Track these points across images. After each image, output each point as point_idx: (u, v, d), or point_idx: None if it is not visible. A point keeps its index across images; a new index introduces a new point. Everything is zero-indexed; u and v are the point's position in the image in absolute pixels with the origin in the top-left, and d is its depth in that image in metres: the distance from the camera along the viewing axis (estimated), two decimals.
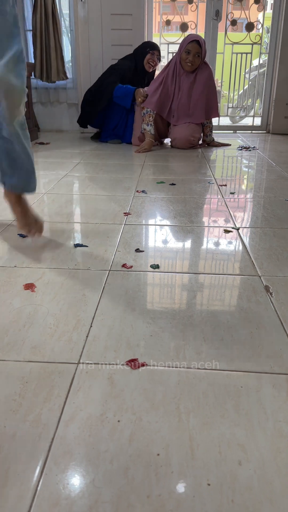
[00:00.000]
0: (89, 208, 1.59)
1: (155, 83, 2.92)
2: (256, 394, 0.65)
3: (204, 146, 3.10)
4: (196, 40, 2.76)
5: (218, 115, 3.09)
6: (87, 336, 0.79)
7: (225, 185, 1.97)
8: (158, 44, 3.23)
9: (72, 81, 3.71)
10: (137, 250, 1.19)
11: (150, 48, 3.15)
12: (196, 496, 0.49)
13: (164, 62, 3.88)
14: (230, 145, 3.18)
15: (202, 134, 3.07)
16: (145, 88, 2.97)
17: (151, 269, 1.08)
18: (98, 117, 3.13)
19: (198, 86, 2.89)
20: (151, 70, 3.19)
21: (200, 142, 3.09)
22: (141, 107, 2.93)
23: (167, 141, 3.23)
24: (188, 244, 1.27)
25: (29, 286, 0.97)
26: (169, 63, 2.93)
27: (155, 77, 3.01)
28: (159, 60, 3.23)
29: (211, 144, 3.11)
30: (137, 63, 3.16)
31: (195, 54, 2.77)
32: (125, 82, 3.06)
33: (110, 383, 0.67)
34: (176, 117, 2.95)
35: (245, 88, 4.12)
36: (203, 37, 3.60)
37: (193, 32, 3.62)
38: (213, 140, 3.12)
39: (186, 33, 3.60)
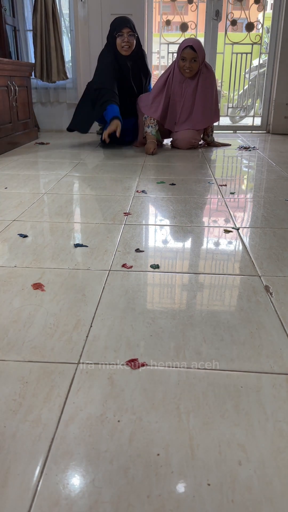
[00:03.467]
0: (89, 208, 1.59)
1: (156, 89, 2.85)
2: (256, 394, 0.65)
3: (204, 146, 3.11)
4: (190, 45, 2.70)
5: (218, 120, 3.08)
6: (87, 336, 0.79)
7: (225, 185, 1.97)
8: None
9: (72, 81, 3.71)
10: (137, 250, 1.19)
11: (116, 31, 2.73)
12: (196, 496, 0.49)
13: (164, 62, 3.88)
14: (230, 145, 3.19)
15: (203, 134, 3.08)
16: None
17: (151, 269, 1.08)
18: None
19: (201, 92, 2.84)
20: (129, 53, 2.77)
21: (201, 143, 3.09)
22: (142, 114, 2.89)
23: (168, 141, 3.23)
24: (188, 244, 1.27)
25: (38, 286, 0.97)
26: (169, 69, 2.87)
27: (157, 80, 2.92)
28: (134, 35, 2.76)
29: (211, 144, 3.12)
30: (114, 52, 2.78)
31: (191, 59, 2.72)
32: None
33: (110, 383, 0.67)
34: (178, 124, 2.93)
35: (245, 88, 4.13)
36: (203, 38, 3.61)
37: (193, 32, 3.62)
38: (214, 140, 3.13)
39: (186, 33, 3.61)
